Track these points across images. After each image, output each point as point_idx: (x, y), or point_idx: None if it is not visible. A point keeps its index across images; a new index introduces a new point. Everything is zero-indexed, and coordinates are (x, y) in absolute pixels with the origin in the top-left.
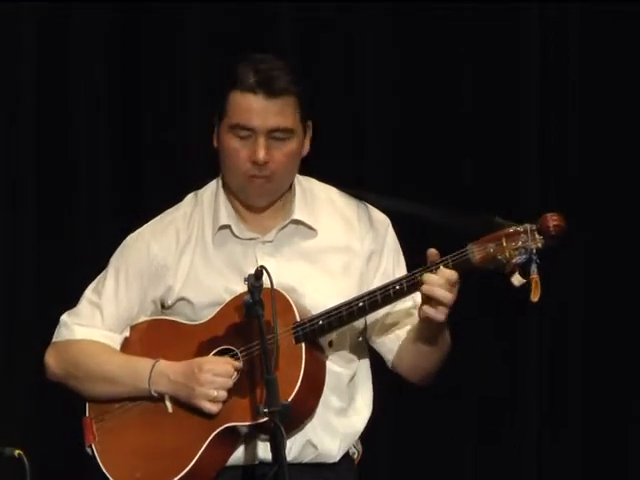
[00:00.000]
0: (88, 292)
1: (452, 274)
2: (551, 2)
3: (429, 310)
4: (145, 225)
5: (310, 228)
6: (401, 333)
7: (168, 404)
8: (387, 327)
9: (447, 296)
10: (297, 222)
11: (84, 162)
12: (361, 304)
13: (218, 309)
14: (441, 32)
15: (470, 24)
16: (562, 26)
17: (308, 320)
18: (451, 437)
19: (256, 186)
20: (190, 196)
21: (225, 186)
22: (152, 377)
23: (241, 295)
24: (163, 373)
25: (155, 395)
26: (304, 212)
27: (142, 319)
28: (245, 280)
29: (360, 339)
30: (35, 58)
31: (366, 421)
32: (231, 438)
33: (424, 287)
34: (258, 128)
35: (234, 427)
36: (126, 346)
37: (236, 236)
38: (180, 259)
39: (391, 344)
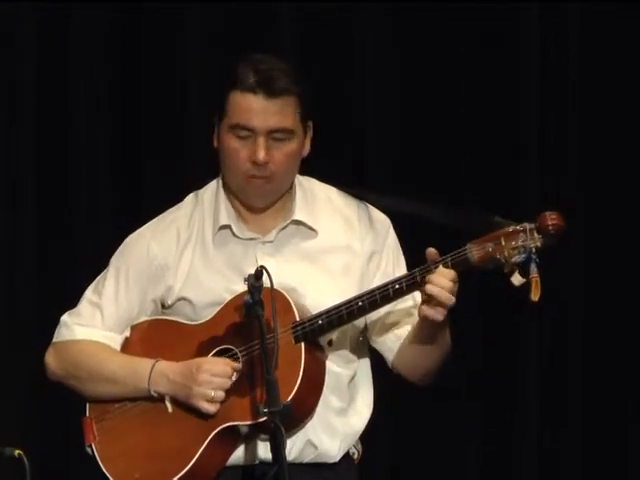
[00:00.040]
0: (88, 292)
1: (451, 274)
2: (551, 2)
3: (428, 310)
4: (145, 225)
5: (310, 229)
6: (401, 332)
7: (168, 404)
8: (387, 327)
9: (450, 298)
10: (298, 222)
11: (84, 162)
12: (360, 303)
13: (218, 309)
14: (441, 32)
15: (470, 24)
16: (562, 26)
17: (308, 320)
18: (450, 437)
19: (256, 186)
20: (190, 196)
21: (225, 186)
22: (152, 377)
23: (241, 295)
24: (163, 373)
25: (155, 395)
26: (304, 212)
27: (142, 319)
28: (245, 280)
29: (360, 339)
30: (35, 58)
31: (366, 421)
32: (231, 438)
33: (429, 287)
34: (258, 128)
35: (234, 427)
36: (126, 346)
37: (236, 236)
38: (180, 259)
39: (391, 344)
